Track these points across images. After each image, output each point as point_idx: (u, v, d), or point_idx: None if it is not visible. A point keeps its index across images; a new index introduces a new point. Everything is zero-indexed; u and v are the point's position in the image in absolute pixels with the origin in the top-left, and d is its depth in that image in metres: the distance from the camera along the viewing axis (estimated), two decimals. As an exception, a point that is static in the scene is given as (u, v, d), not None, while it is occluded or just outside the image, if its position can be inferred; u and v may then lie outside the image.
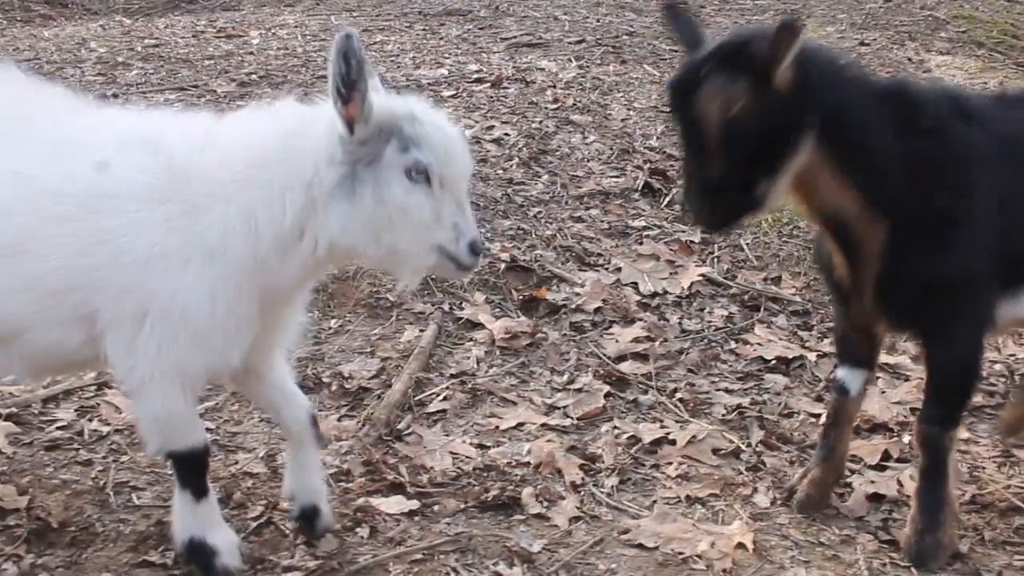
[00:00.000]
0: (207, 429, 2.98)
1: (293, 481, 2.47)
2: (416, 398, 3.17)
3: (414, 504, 2.64)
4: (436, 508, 2.64)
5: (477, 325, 3.61)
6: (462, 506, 2.64)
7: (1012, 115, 2.50)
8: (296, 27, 8.64)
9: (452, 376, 3.31)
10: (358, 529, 2.53)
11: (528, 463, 2.83)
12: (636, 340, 3.55)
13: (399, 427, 3.02)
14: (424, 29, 8.40)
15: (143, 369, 2.08)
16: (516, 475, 2.78)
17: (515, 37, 7.88)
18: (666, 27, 2.99)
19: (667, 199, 4.71)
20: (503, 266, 3.89)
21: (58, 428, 2.92)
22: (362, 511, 2.59)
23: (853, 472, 2.87)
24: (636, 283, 3.94)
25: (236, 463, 2.80)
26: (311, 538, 2.46)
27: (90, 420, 2.96)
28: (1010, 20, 8.99)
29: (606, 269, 4.05)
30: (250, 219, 2.03)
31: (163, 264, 2.02)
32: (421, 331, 3.49)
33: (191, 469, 2.23)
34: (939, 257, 2.32)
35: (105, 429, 2.92)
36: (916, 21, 8.87)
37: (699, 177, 2.24)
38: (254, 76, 6.87)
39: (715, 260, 4.20)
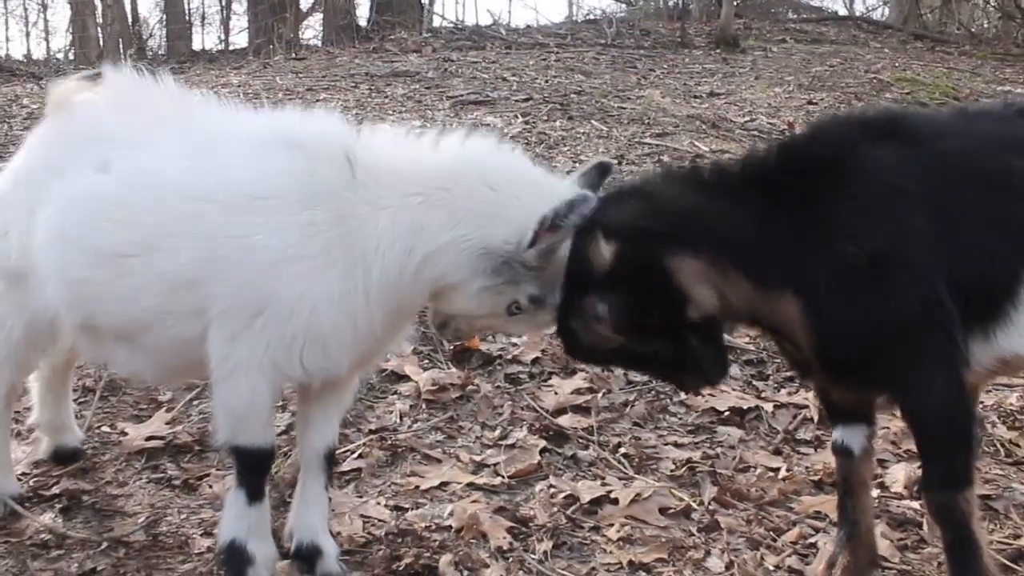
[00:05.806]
0: (82, 490, 2.63)
1: (294, 516, 2.38)
2: (328, 456, 2.81)
3: (315, 575, 2.28)
4: (339, 580, 2.28)
5: (403, 377, 3.29)
6: (369, 577, 2.29)
7: None
8: (239, 87, 8.41)
9: (371, 432, 2.97)
10: (245, 605, 2.17)
11: (449, 526, 2.49)
12: (577, 392, 3.25)
13: (306, 488, 2.66)
14: (370, 88, 8.22)
15: (240, 359, 2.07)
16: (434, 540, 2.43)
17: (461, 95, 7.72)
18: None
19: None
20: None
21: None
22: (254, 584, 2.23)
23: (817, 531, 2.57)
24: (578, 332, 3.64)
25: (111, 529, 2.43)
26: None
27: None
28: (951, 84, 9.08)
29: (546, 318, 3.75)
30: (417, 233, 2.04)
31: (296, 266, 2.01)
32: (339, 384, 3.14)
33: (251, 468, 2.20)
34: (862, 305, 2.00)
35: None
36: (861, 83, 8.90)
37: None
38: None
39: (664, 309, 3.92)
